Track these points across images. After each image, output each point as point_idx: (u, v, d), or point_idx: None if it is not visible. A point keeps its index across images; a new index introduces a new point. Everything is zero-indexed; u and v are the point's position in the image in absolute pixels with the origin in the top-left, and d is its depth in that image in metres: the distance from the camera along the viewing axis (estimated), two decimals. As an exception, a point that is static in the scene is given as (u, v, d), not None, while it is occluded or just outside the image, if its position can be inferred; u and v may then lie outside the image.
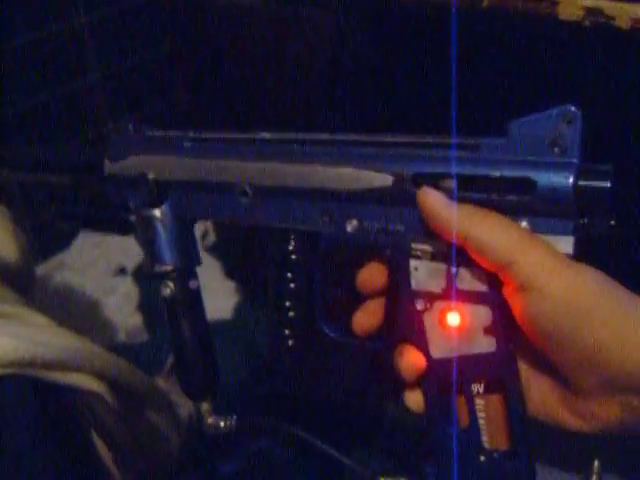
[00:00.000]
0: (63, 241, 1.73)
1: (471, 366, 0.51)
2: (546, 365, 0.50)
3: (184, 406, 1.11)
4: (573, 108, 0.47)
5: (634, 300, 0.47)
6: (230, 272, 1.57)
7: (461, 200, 0.49)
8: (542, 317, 0.47)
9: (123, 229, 0.63)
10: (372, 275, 0.56)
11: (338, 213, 0.55)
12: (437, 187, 0.50)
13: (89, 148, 0.67)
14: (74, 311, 1.50)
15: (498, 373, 0.51)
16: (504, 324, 0.50)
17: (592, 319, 0.46)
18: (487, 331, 0.50)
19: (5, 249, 0.99)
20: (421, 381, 0.53)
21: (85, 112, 1.71)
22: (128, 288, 1.60)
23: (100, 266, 1.65)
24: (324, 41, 1.17)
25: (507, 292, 0.49)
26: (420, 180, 0.51)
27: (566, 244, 0.48)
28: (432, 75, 1.06)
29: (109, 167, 0.64)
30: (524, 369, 0.52)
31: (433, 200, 0.49)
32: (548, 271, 0.46)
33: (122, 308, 1.55)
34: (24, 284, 1.02)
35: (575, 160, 0.47)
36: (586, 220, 0.47)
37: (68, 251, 1.71)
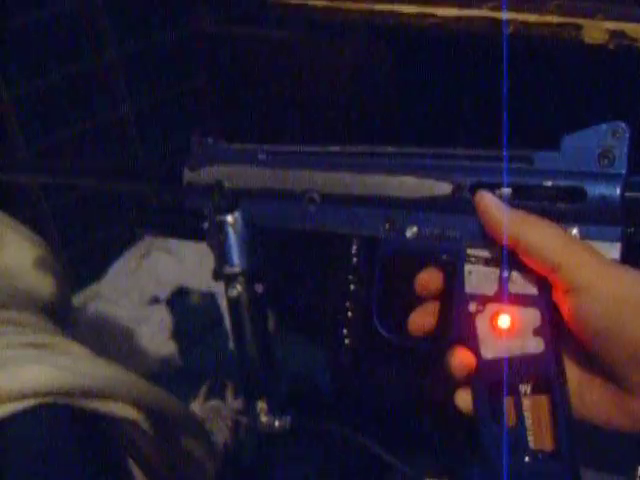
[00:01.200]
0: (97, 272, 1.76)
1: (520, 367, 0.53)
2: (598, 366, 0.51)
3: (219, 433, 1.11)
4: (622, 124, 0.50)
5: None
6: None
7: (515, 207, 0.52)
8: (591, 316, 0.48)
9: (196, 235, 0.66)
10: (429, 279, 0.58)
11: (399, 220, 0.58)
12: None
13: (170, 159, 0.71)
14: (109, 340, 1.52)
15: (545, 374, 0.52)
16: (552, 326, 0.52)
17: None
18: (536, 333, 0.52)
19: (43, 280, 1.02)
20: (471, 381, 0.54)
21: (118, 144, 1.75)
22: (161, 317, 1.62)
23: (133, 296, 1.67)
24: (350, 69, 1.19)
25: (556, 294, 0.50)
26: (478, 189, 0.54)
27: (613, 250, 0.50)
28: (455, 101, 1.07)
29: (188, 176, 0.68)
30: (576, 371, 0.53)
31: (488, 202, 0.52)
32: (594, 272, 0.48)
33: (156, 336, 1.56)
34: (61, 314, 1.04)
35: (623, 171, 0.50)
36: (633, 228, 0.50)
37: (102, 282, 1.74)
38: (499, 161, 0.54)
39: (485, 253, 0.54)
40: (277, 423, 0.65)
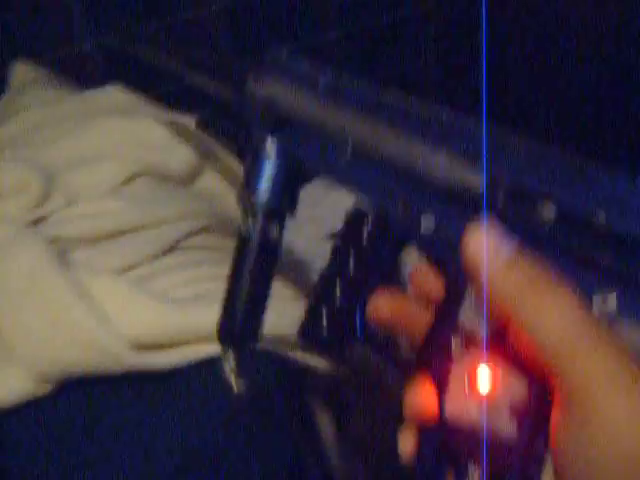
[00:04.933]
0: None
1: (477, 444, 0.40)
2: None
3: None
4: None
5: None
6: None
7: (521, 253, 0.36)
8: (581, 449, 0.32)
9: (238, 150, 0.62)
10: (426, 280, 0.47)
11: (416, 202, 0.46)
12: (532, 212, 0.37)
13: (240, 63, 0.66)
14: (286, 271, 1.51)
15: (505, 466, 0.39)
16: (537, 415, 0.38)
17: None
18: (513, 411, 0.39)
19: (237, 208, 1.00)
20: (421, 429, 0.42)
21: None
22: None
23: (311, 228, 1.65)
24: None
25: (552, 399, 0.35)
26: (516, 194, 0.38)
27: None
28: None
29: (251, 85, 0.61)
30: None
31: (477, 248, 0.36)
32: (609, 388, 0.31)
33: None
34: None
35: None
36: None
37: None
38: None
39: None
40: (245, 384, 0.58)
